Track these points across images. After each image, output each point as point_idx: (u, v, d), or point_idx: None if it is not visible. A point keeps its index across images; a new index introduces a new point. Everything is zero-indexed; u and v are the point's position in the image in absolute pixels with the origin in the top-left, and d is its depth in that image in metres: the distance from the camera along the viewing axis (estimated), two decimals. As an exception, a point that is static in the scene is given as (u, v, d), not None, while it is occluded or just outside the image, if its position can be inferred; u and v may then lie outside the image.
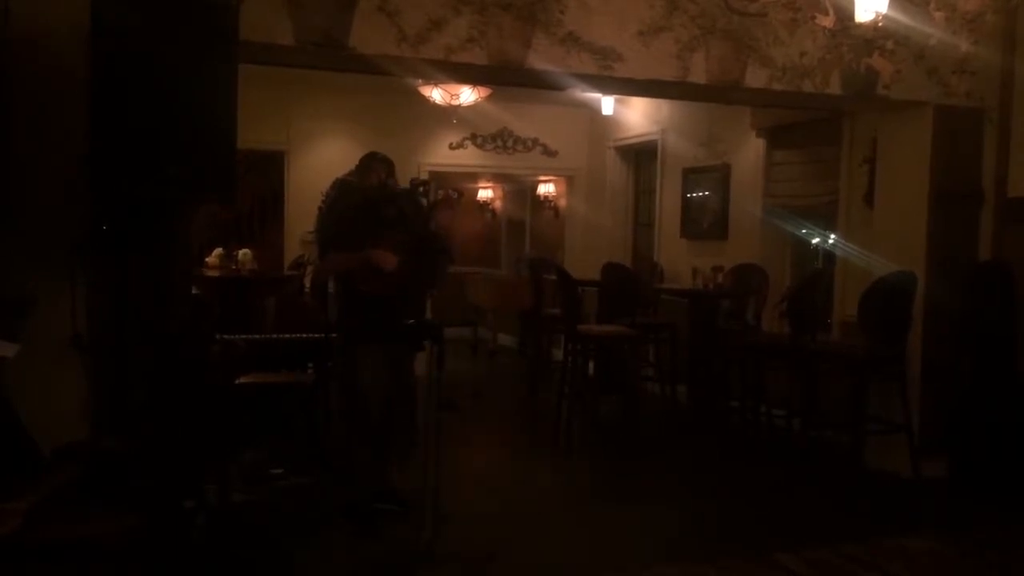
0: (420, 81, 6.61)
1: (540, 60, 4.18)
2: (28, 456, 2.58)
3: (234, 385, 4.37)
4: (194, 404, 3.45)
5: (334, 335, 4.38)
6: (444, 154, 8.59)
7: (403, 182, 4.46)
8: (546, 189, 10.32)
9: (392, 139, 7.52)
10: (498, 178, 11.02)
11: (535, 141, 8.89)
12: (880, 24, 4.37)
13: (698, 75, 4.47)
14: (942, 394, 5.08)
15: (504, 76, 4.59)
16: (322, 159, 7.77)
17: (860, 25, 4.38)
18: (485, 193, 11.86)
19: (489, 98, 7.40)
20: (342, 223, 4.37)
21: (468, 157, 8.74)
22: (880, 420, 5.07)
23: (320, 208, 4.67)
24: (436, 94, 7.04)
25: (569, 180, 9.37)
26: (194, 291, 4.65)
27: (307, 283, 6.37)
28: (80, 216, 3.16)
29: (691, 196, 7.56)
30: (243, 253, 7.26)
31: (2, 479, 2.44)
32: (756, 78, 4.55)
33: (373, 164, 4.35)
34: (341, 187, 4.54)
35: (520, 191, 11.25)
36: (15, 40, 3.07)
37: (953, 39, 4.74)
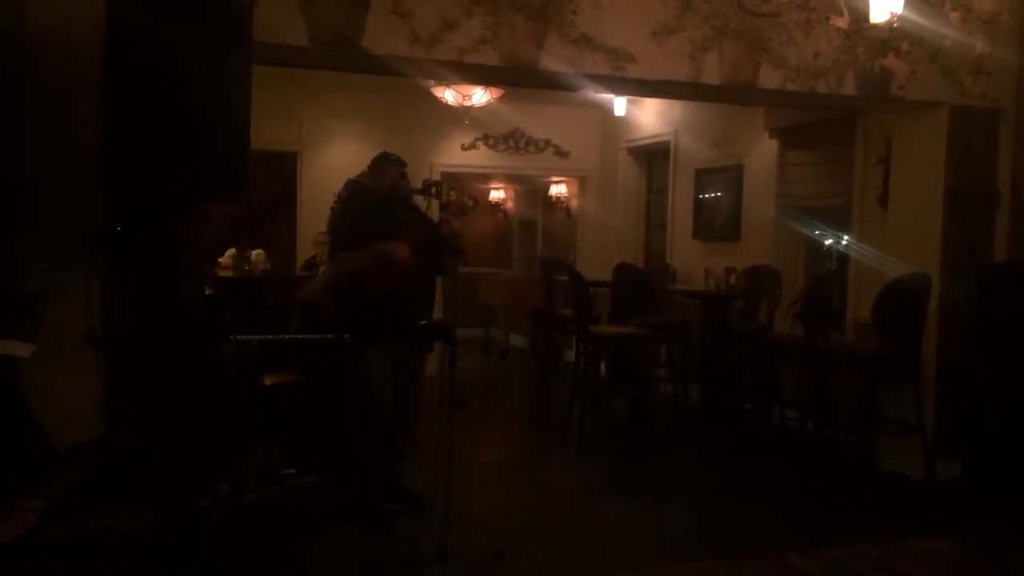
0: (432, 82, 6.62)
1: (553, 61, 4.18)
2: (43, 454, 2.60)
3: (248, 384, 4.39)
4: (207, 403, 3.47)
5: (347, 335, 4.39)
6: (456, 155, 8.59)
7: (415, 182, 4.46)
8: (558, 190, 10.31)
9: (404, 139, 7.51)
10: (510, 179, 11.01)
11: (547, 142, 8.88)
12: (895, 25, 4.36)
13: (711, 76, 4.46)
14: (956, 395, 5.06)
15: (516, 77, 4.59)
16: (334, 159, 7.79)
17: (875, 26, 4.38)
18: (497, 194, 11.86)
19: (501, 99, 7.40)
20: (354, 224, 4.38)
21: (480, 158, 8.72)
22: (894, 421, 5.04)
23: (332, 209, 4.68)
24: (448, 95, 7.04)
25: (581, 181, 9.36)
26: (208, 291, 4.66)
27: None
28: (94, 215, 3.18)
29: (703, 197, 7.54)
30: (256, 253, 7.29)
31: (18, 477, 2.45)
32: (769, 79, 4.54)
33: (385, 165, 4.35)
34: (353, 188, 4.54)
35: (532, 192, 11.24)
36: (30, 39, 3.09)
37: (969, 39, 4.72)
